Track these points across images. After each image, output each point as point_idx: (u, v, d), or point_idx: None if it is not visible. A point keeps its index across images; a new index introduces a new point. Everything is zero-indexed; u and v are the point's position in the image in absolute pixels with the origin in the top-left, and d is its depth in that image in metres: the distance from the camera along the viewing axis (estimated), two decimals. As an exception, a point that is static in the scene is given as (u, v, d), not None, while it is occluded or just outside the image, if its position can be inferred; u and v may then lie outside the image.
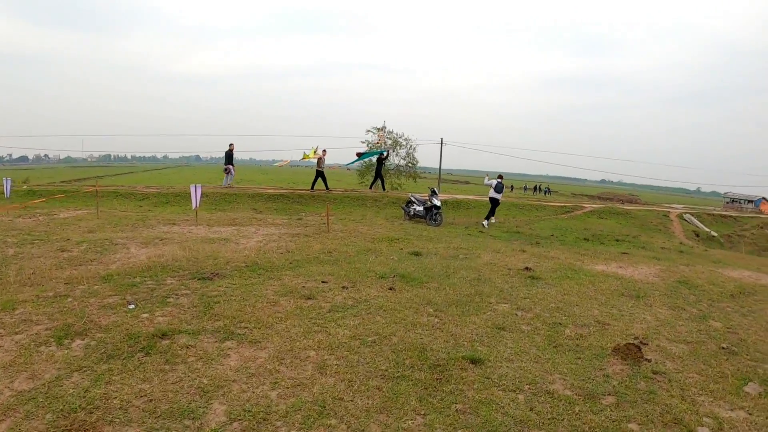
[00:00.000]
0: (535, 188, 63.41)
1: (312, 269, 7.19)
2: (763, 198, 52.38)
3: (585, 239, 15.14)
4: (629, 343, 4.59)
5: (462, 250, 10.09)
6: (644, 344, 4.74)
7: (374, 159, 25.35)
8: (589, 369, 4.15)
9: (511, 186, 68.17)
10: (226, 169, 20.41)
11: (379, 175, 21.96)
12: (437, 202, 15.08)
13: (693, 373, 4.21)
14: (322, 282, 6.45)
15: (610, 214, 21.70)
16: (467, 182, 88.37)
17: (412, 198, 16.10)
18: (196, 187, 12.23)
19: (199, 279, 6.25)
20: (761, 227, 28.96)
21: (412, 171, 28.49)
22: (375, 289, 6.25)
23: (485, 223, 15.71)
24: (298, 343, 4.32)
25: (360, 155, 23.67)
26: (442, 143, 39.45)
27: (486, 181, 16.78)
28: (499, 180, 16.39)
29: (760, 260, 15.99)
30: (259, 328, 4.61)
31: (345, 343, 4.41)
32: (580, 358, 4.37)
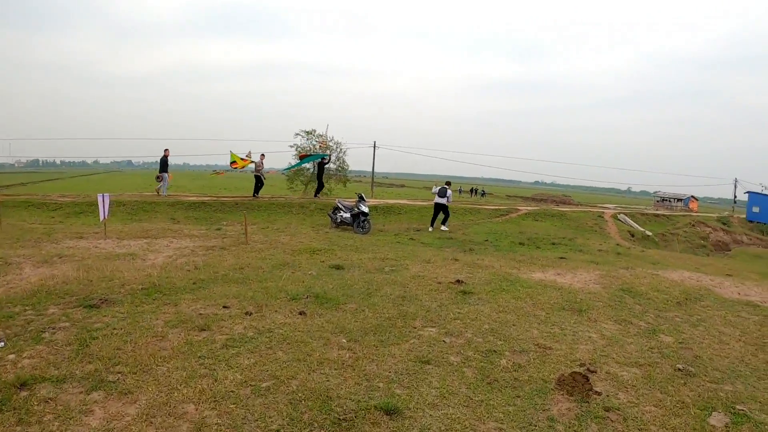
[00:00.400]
0: (471, 191, 64.74)
1: (216, 290, 6.47)
2: (692, 196, 56.62)
3: (520, 243, 15.10)
4: (575, 372, 4.09)
5: (389, 261, 9.49)
6: (592, 372, 4.25)
7: (308, 164, 24.35)
8: (530, 411, 3.57)
9: (460, 189, 69.62)
10: (158, 177, 19.36)
11: (321, 180, 21.44)
12: (365, 209, 14.46)
13: (650, 406, 3.75)
14: (224, 307, 5.69)
15: (546, 216, 22.11)
16: (403, 185, 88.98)
17: (338, 204, 15.39)
18: (103, 196, 11.57)
19: (85, 307, 5.56)
20: (692, 225, 30.96)
21: (342, 175, 27.80)
22: (283, 315, 5.51)
23: (443, 228, 16.60)
24: (176, 394, 3.61)
25: (303, 158, 22.78)
26: (375, 146, 39.31)
27: (434, 190, 17.49)
28: (445, 186, 17.14)
29: (696, 259, 16.74)
30: (136, 373, 3.93)
31: (233, 391, 3.68)
32: (519, 396, 3.79)
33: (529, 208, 23.38)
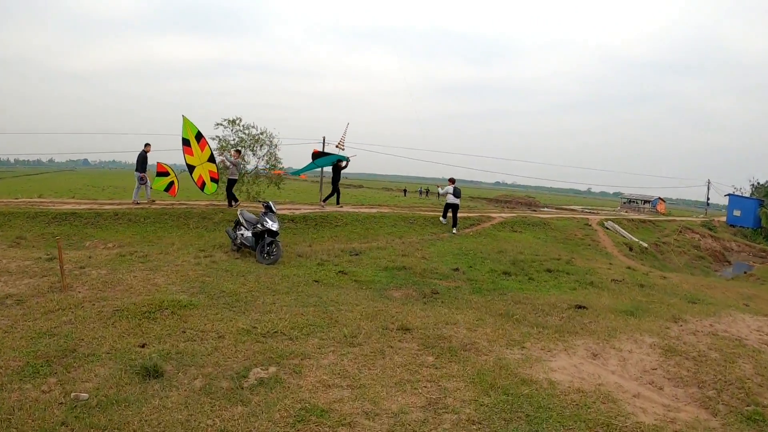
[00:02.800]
0: (427, 191, 59.80)
1: None
2: (660, 198, 53.75)
3: (505, 273, 10.45)
4: None
5: (271, 345, 4.56)
6: None
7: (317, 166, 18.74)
8: None
9: (404, 190, 64.56)
10: (141, 178, 15.14)
11: (336, 186, 16.87)
12: (273, 225, 9.46)
13: None
14: None
15: (525, 226, 17.55)
16: (360, 186, 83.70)
17: (241, 217, 10.29)
18: None
19: None
20: (680, 231, 27.13)
21: (273, 175, 22.58)
22: None
23: (446, 223, 15.27)
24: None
25: (316, 156, 16.61)
26: (324, 142, 34.10)
27: (441, 191, 15.85)
28: (453, 185, 15.25)
29: (735, 289, 12.41)
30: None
31: None
32: None
33: (503, 215, 18.83)
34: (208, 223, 13.04)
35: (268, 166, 22.43)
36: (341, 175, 17.11)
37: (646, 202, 56.29)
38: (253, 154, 22.24)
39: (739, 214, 34.21)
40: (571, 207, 58.63)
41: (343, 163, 16.69)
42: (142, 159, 14.96)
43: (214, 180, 15.10)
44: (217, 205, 14.92)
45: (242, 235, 9.91)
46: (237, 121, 22.52)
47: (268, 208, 9.77)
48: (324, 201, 17.01)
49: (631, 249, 18.23)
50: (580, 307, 7.93)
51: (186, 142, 14.23)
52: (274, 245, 9.34)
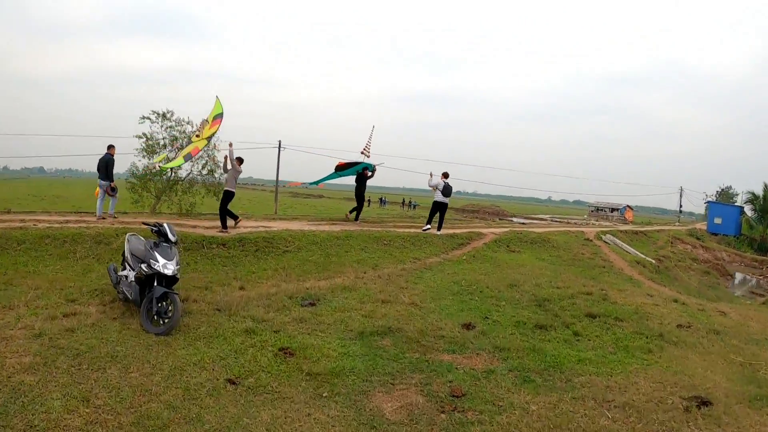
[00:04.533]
0: (403, 203, 56.06)
1: None
2: (627, 206, 52.09)
3: (539, 327, 6.83)
4: None
5: None
6: None
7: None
8: None
9: (368, 200, 60.75)
10: (113, 188, 11.54)
11: (362, 198, 14.81)
12: (166, 266, 5.54)
13: None
14: None
15: (523, 244, 14.10)
16: (321, 196, 79.29)
17: (126, 251, 6.24)
18: None
19: None
20: (671, 243, 24.48)
21: (212, 182, 18.42)
22: None
23: (431, 229, 13.21)
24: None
25: (342, 168, 14.38)
26: (279, 147, 30.34)
27: (431, 181, 13.17)
28: (446, 180, 13.07)
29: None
30: None
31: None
32: None
33: (494, 231, 15.34)
34: (103, 250, 8.91)
35: (205, 172, 18.25)
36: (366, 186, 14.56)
37: (613, 210, 54.54)
38: (189, 159, 17.99)
39: (720, 222, 32.14)
40: (540, 216, 56.43)
41: (369, 173, 14.29)
42: (107, 164, 11.43)
43: (187, 158, 12.17)
44: (128, 223, 10.71)
45: (125, 278, 5.94)
46: (168, 115, 18.29)
47: (161, 236, 5.84)
48: (351, 213, 14.83)
49: (644, 267, 15.07)
50: (702, 403, 4.45)
51: (204, 121, 11.67)
52: (168, 301, 5.39)
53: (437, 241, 12.14)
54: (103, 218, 11.20)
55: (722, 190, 58.03)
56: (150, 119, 17.84)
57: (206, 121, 11.47)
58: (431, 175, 13.24)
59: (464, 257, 11.35)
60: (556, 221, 47.85)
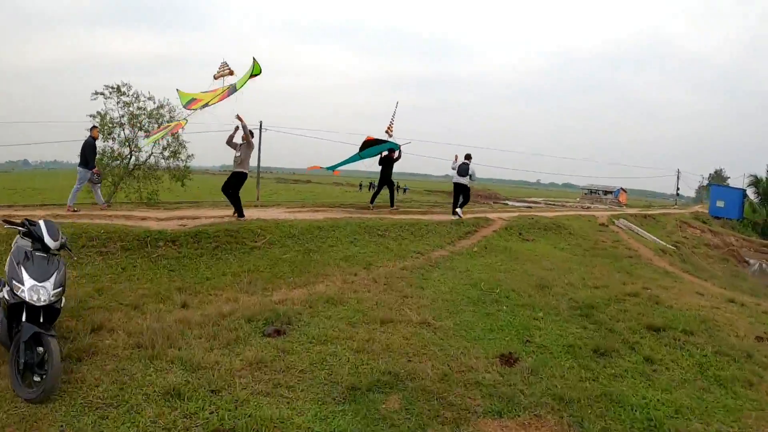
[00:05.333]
0: (370, 185, 53.08)
1: None
2: (621, 188, 50.46)
3: (599, 353, 4.85)
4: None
5: None
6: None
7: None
8: None
9: (360, 184, 58.22)
10: (95, 174, 9.83)
11: (388, 182, 12.86)
12: (39, 291, 3.38)
13: None
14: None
15: (535, 231, 12.13)
16: (308, 182, 76.59)
17: (8, 263, 3.97)
18: None
19: None
20: (680, 227, 22.76)
21: (179, 167, 16.13)
22: None
23: (458, 211, 11.77)
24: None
25: (370, 144, 12.16)
26: (261, 128, 28.21)
27: (453, 165, 12.12)
28: (466, 161, 11.87)
29: None
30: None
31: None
32: None
33: (501, 215, 13.31)
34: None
35: (168, 154, 15.93)
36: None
37: (607, 192, 52.87)
38: (147, 137, 15.66)
39: (722, 205, 30.53)
40: (533, 200, 54.72)
41: (396, 153, 12.54)
42: (89, 148, 9.71)
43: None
44: (78, 218, 8.47)
45: (-4, 307, 3.79)
46: (125, 89, 15.84)
47: (35, 240, 3.68)
48: (393, 205, 13.06)
49: (670, 256, 13.21)
50: None
51: (190, 102, 9.33)
52: (41, 347, 3.27)
53: (441, 230, 10.07)
54: (108, 206, 9.88)
55: (715, 172, 56.87)
56: (104, 95, 15.43)
57: (235, 88, 8.97)
58: (456, 158, 11.96)
59: (475, 249, 9.30)
60: (550, 205, 46.24)
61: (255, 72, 9.06)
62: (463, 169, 11.70)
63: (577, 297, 6.87)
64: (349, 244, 7.91)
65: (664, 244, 15.18)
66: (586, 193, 55.28)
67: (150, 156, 15.96)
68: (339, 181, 78.44)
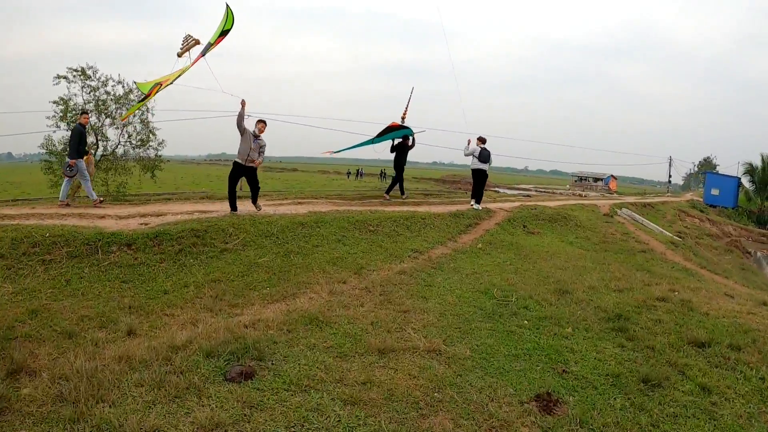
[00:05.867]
0: (381, 174, 51.55)
1: None
2: (611, 175, 49.99)
3: (648, 384, 3.90)
4: None
5: None
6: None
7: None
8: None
9: (348, 172, 56.90)
10: (69, 167, 8.46)
11: (401, 171, 12.25)
12: None
13: None
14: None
15: (541, 222, 11.15)
16: (295, 170, 74.94)
17: None
18: None
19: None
20: (680, 217, 22.03)
21: (148, 156, 14.81)
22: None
23: (476, 206, 11.00)
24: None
25: (394, 129, 11.64)
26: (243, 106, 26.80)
27: (467, 149, 11.08)
28: (485, 147, 10.94)
29: None
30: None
31: None
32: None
33: (503, 206, 12.29)
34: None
35: (136, 142, 14.55)
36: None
37: (597, 179, 52.42)
38: (114, 124, 14.33)
39: (717, 193, 29.96)
40: (522, 186, 53.94)
41: (410, 140, 11.92)
42: (78, 137, 8.46)
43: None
44: (39, 217, 7.25)
45: None
46: (90, 72, 14.42)
47: None
48: (403, 193, 12.58)
49: (676, 246, 12.33)
50: None
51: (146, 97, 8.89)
52: None
53: (440, 224, 9.01)
54: (101, 201, 8.82)
55: (705, 160, 56.61)
56: (67, 78, 14.00)
57: (209, 43, 8.15)
58: (468, 142, 11.14)
59: (479, 245, 8.27)
60: (540, 191, 45.48)
61: (227, 27, 8.14)
62: (486, 156, 10.89)
63: (602, 304, 5.91)
64: (336, 243, 6.81)
65: (671, 235, 14.34)
66: (576, 180, 54.74)
67: (118, 145, 14.64)
68: (326, 169, 76.92)
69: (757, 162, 30.47)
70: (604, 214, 14.20)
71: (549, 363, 4.11)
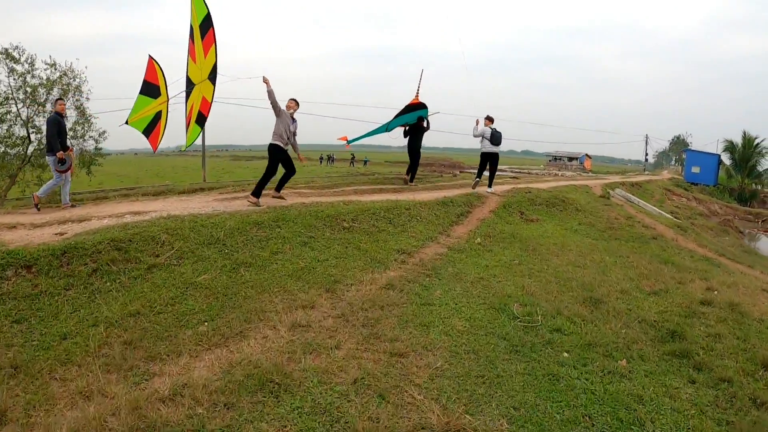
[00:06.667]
0: (351, 160, 49.78)
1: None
2: (586, 155, 49.50)
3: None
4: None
5: None
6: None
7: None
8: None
9: (321, 157, 54.47)
10: (60, 161, 7.00)
11: (418, 156, 11.50)
12: None
13: None
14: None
15: (538, 208, 9.87)
16: (264, 158, 72.29)
17: None
18: None
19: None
20: (668, 196, 21.24)
21: (87, 149, 12.99)
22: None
23: (489, 190, 10.29)
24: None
25: (410, 109, 10.75)
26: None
27: (476, 130, 10.41)
28: (493, 127, 10.27)
29: None
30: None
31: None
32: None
33: (494, 191, 10.99)
34: None
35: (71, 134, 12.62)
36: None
37: (571, 159, 51.92)
38: (42, 110, 12.42)
39: (698, 171, 29.47)
40: (499, 168, 52.91)
41: (425, 122, 11.02)
42: (56, 126, 7.08)
43: (200, 120, 8.73)
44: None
45: None
46: (17, 54, 12.36)
47: None
48: (412, 180, 11.62)
49: (683, 231, 11.26)
50: None
51: (191, 34, 8.61)
52: None
53: (428, 214, 7.58)
54: (73, 206, 7.20)
55: (677, 138, 56.76)
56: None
57: (193, 41, 8.14)
58: (477, 122, 10.46)
59: (477, 239, 6.90)
60: (516, 171, 44.61)
61: (200, 16, 7.74)
62: (497, 137, 10.26)
63: (644, 314, 4.69)
64: (301, 248, 5.31)
65: (671, 217, 13.33)
66: (550, 160, 54.17)
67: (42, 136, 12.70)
68: (295, 156, 74.07)
69: (738, 139, 30.11)
70: (603, 198, 13.06)
71: (619, 428, 2.79)
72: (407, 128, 10.94)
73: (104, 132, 12.85)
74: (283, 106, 7.10)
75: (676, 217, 14.58)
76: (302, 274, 4.68)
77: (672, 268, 7.03)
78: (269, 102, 6.96)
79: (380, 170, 38.28)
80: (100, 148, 13.07)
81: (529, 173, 38.79)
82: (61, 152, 6.98)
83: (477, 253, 6.24)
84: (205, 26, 8.79)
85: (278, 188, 7.48)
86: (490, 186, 10.59)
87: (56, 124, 7.03)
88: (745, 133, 29.46)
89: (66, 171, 7.15)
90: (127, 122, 9.27)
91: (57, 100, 7.92)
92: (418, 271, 5.18)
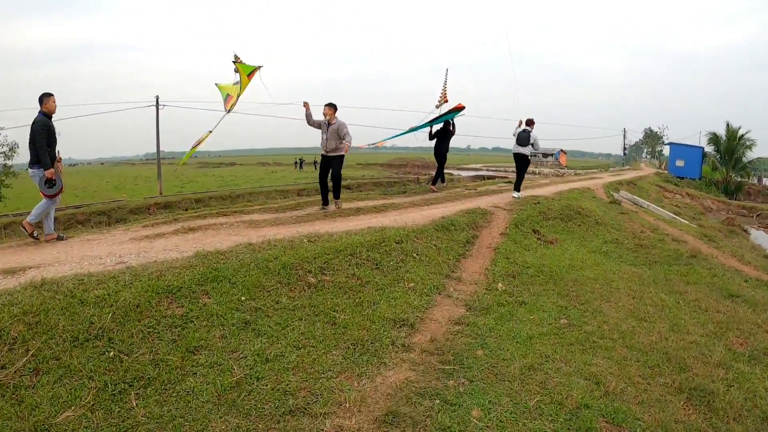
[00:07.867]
0: (301, 162, 46.88)
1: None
2: (561, 150, 48.43)
3: None
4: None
5: None
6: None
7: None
8: None
9: (296, 161, 51.32)
10: (48, 181, 5.01)
11: (444, 160, 10.76)
12: None
13: None
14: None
15: (554, 224, 8.07)
16: (233, 164, 68.65)
17: None
18: None
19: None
20: (662, 194, 19.91)
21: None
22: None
23: (515, 194, 9.90)
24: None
25: (454, 111, 10.24)
26: (157, 104, 23.79)
27: (514, 132, 10.09)
28: (527, 128, 9.75)
29: None
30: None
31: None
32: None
33: (489, 199, 9.14)
34: None
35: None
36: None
37: (546, 155, 50.79)
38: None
39: (682, 165, 28.45)
40: (472, 166, 51.62)
41: (452, 126, 10.61)
42: (46, 132, 5.09)
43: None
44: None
45: None
46: None
47: None
48: (444, 182, 11.71)
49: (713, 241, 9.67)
50: None
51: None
52: None
53: (426, 247, 5.60)
54: (60, 237, 5.44)
55: (648, 131, 56.48)
56: None
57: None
58: (519, 123, 10.00)
59: (498, 283, 5.00)
60: (493, 170, 43.24)
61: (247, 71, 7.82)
62: (524, 138, 9.71)
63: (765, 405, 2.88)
64: (239, 335, 3.26)
65: (687, 222, 11.79)
66: (527, 157, 52.97)
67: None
68: (265, 160, 70.59)
69: (721, 131, 29.31)
70: (609, 202, 11.41)
71: None
72: (434, 132, 10.44)
73: (14, 145, 10.52)
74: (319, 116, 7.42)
75: (680, 218, 13.09)
76: (238, 397, 2.67)
77: (744, 306, 5.31)
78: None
79: (352, 173, 36.13)
80: (10, 166, 10.71)
81: (505, 171, 37.48)
82: (51, 170, 5.05)
83: (507, 310, 4.34)
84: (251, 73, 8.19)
85: (335, 197, 7.86)
86: (517, 189, 10.08)
87: (45, 129, 5.07)
88: (728, 124, 28.63)
89: (56, 195, 5.21)
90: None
91: (45, 95, 5.38)
92: (433, 364, 3.23)
